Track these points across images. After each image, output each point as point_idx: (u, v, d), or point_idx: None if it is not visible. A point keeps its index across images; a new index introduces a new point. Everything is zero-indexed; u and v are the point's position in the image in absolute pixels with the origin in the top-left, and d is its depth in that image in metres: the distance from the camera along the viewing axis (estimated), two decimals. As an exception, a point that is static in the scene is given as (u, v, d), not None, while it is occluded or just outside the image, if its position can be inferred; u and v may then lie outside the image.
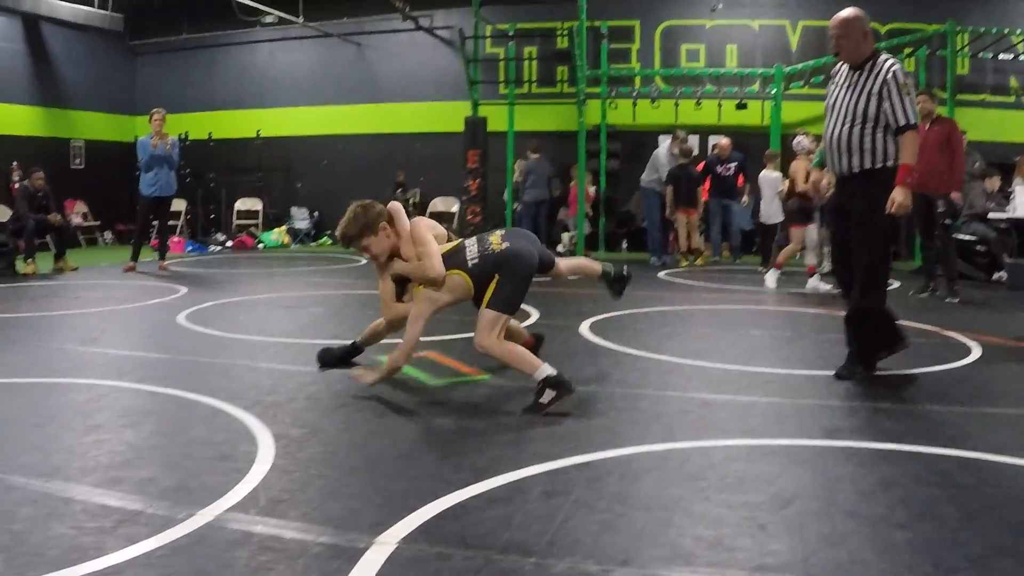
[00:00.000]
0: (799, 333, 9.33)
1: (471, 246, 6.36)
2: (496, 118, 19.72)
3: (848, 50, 6.82)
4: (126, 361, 7.96)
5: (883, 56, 6.76)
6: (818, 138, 14.08)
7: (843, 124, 6.78)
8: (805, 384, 6.87)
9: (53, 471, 4.79)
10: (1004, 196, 14.35)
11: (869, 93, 6.64)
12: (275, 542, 3.83)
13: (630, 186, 19.13)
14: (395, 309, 6.78)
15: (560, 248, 18.82)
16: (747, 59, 19.75)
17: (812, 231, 13.21)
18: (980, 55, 17.53)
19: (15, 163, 20.24)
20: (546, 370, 6.02)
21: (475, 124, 19.19)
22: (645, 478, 4.68)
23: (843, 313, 7.23)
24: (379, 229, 6.56)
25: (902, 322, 7.26)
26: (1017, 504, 4.28)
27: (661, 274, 14.97)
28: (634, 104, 19.39)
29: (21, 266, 15.17)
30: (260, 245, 22.05)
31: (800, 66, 18.06)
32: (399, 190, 21.12)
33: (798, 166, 12.95)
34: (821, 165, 7.72)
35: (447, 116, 21.02)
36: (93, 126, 23.49)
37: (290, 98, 23.48)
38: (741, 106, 18.34)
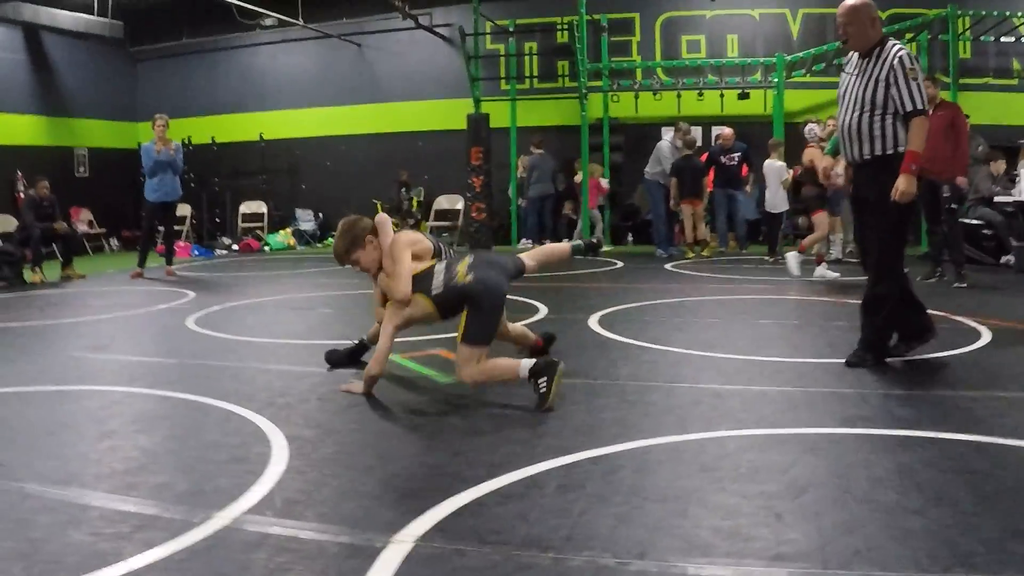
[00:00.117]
0: (808, 321, 9.32)
1: (439, 273, 6.31)
2: (498, 114, 19.73)
3: (855, 37, 6.80)
4: (137, 367, 7.97)
5: (890, 42, 6.73)
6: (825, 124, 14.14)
7: (853, 112, 6.76)
8: (816, 372, 6.86)
9: (69, 478, 4.79)
10: (1009, 179, 14.32)
11: (877, 80, 6.62)
12: (292, 543, 3.83)
13: (634, 179, 19.12)
14: (382, 313, 6.80)
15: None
16: (748, 49, 19.73)
17: (824, 218, 13.15)
18: (982, 38, 17.50)
19: (19, 173, 20.28)
20: (525, 365, 6.02)
21: (477, 121, 19.19)
22: (659, 470, 4.69)
23: (851, 300, 7.22)
24: (366, 242, 6.65)
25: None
26: (1032, 487, 4.27)
27: (668, 266, 15.00)
28: (636, 97, 19.39)
29: (28, 275, 15.20)
30: (266, 248, 22.07)
31: (801, 54, 18.05)
32: (403, 189, 21.13)
33: (812, 153, 12.88)
34: (834, 153, 7.70)
35: (449, 114, 21.02)
36: (96, 133, 23.53)
37: (292, 100, 23.50)
38: (743, 96, 18.34)
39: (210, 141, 23.60)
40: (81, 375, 7.60)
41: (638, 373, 7.03)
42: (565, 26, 19.71)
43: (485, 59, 20.55)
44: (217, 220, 23.69)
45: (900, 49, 6.63)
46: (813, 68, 18.12)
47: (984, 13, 16.83)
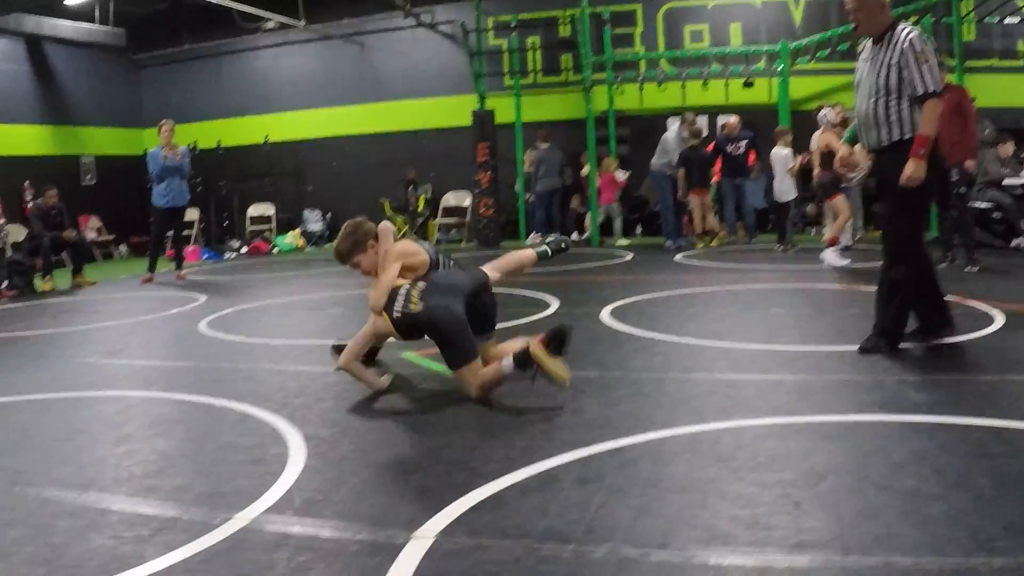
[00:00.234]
0: (820, 310, 9.29)
1: (399, 297, 6.30)
2: (503, 110, 19.72)
3: (865, 23, 6.78)
4: (151, 371, 8.00)
5: (901, 25, 6.67)
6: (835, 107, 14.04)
7: (869, 98, 6.73)
8: (830, 360, 6.83)
9: (87, 483, 4.81)
10: (1018, 161, 14.27)
11: (889, 64, 6.58)
12: (313, 542, 3.85)
13: (641, 171, 19.05)
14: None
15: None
16: (751, 37, 19.66)
17: (841, 203, 13.07)
18: (986, 20, 17.41)
19: (27, 183, 20.31)
20: (508, 362, 6.01)
21: (483, 117, 19.19)
22: (677, 461, 4.68)
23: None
24: (368, 247, 6.71)
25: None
26: (1052, 470, 4.26)
27: (677, 257, 14.95)
28: (640, 88, 19.35)
29: (39, 283, 15.26)
30: (275, 250, 22.10)
31: (805, 41, 17.97)
32: (410, 188, 21.13)
33: (828, 138, 12.78)
34: (852, 142, 7.67)
35: (454, 111, 21.02)
36: (102, 141, 23.58)
37: (296, 102, 23.51)
38: (748, 84, 18.27)
39: (216, 145, 23.60)
40: (96, 381, 7.63)
41: (652, 365, 7.02)
42: (567, 19, 19.70)
43: (488, 55, 20.52)
44: (225, 223, 23.71)
45: (910, 32, 6.58)
46: (817, 55, 18.05)
47: (988, -6, 16.78)
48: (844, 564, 3.34)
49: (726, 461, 4.58)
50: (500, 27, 20.91)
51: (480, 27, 19.72)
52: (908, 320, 7.01)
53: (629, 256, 15.63)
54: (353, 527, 3.97)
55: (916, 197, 6.64)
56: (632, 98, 19.61)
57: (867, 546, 3.48)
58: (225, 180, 23.42)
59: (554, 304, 10.15)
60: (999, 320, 7.97)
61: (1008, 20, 17.48)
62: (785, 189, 15.00)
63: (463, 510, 4.08)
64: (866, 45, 6.95)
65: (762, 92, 18.42)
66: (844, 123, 13.14)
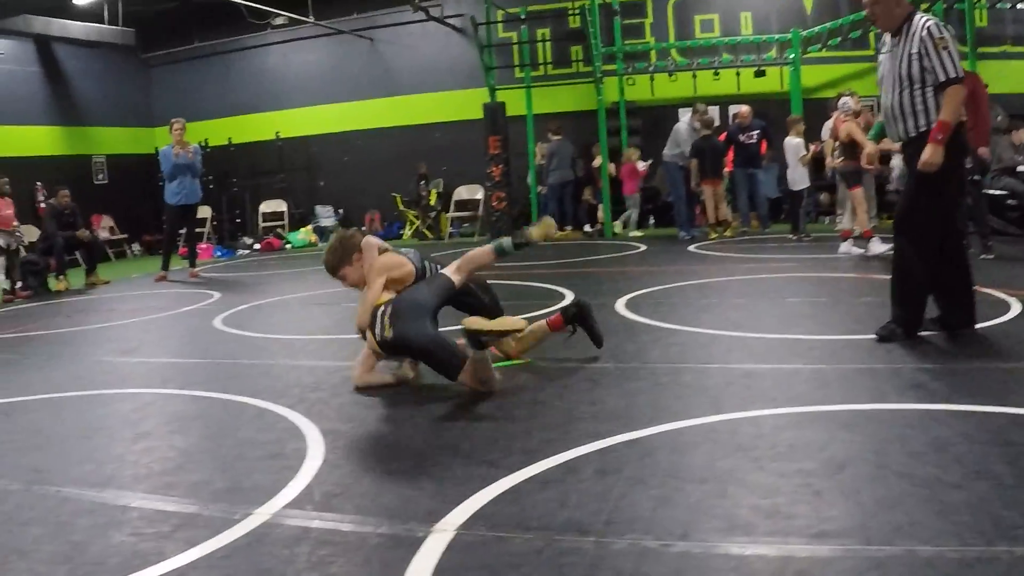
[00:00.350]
0: (835, 298, 9.26)
1: (376, 322, 6.34)
2: (514, 102, 19.69)
3: (882, 17, 6.75)
4: (167, 368, 8.02)
5: (918, 15, 6.63)
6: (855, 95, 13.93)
7: (893, 91, 6.70)
8: (847, 349, 6.81)
9: (106, 480, 4.82)
10: (1032, 148, 14.21)
11: (910, 55, 6.55)
12: (334, 536, 3.85)
13: (653, 162, 19.02)
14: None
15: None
16: (762, 26, 19.59)
17: (863, 194, 12.96)
18: (998, 5, 17.33)
19: (39, 183, 20.36)
20: (468, 348, 6.10)
21: (494, 110, 19.16)
22: (696, 451, 4.67)
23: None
24: (353, 260, 6.73)
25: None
26: (1072, 457, 4.24)
27: (691, 247, 14.93)
28: (651, 79, 19.31)
29: (53, 283, 15.31)
30: (288, 246, 22.12)
31: (817, 29, 17.89)
32: (422, 182, 21.13)
33: (850, 128, 12.65)
34: (878, 138, 7.63)
35: (465, 104, 21.01)
36: (113, 141, 23.61)
37: (307, 97, 23.50)
38: (760, 73, 18.20)
39: (227, 142, 23.64)
40: (112, 379, 7.65)
41: (668, 355, 7.02)
42: (577, 11, 19.67)
43: (498, 47, 20.51)
44: (238, 220, 23.74)
45: (927, 20, 6.54)
46: (829, 43, 17.99)
47: (999, -20, 16.71)
48: (866, 553, 3.33)
49: (745, 451, 4.57)
50: (509, 19, 20.90)
51: (490, 20, 19.68)
52: (924, 305, 6.94)
53: (642, 247, 15.60)
54: (373, 521, 3.97)
55: (941, 183, 6.59)
56: (643, 89, 19.57)
57: (888, 535, 3.46)
58: (237, 177, 23.47)
59: (569, 295, 10.14)
60: (1015, 308, 7.93)
61: (1021, 6, 17.39)
62: (798, 178, 14.95)
63: (483, 503, 4.08)
64: (886, 39, 6.92)
65: (773, 81, 18.36)
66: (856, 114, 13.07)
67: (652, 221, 19.66)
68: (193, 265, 16.15)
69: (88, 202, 19.66)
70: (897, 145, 7.60)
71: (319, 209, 23.19)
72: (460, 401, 6.04)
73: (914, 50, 6.53)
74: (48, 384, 7.55)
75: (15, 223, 15.44)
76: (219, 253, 21.44)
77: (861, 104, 13.64)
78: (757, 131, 16.60)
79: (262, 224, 23.45)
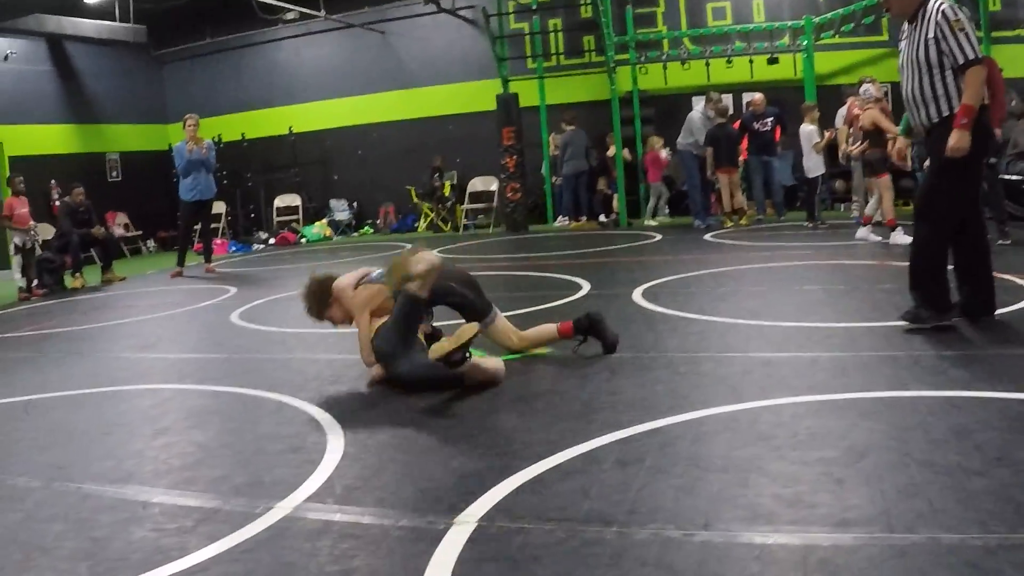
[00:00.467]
0: (852, 286, 9.21)
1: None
2: (527, 93, 19.68)
3: (898, 5, 6.73)
4: (185, 364, 8.03)
5: (931, 0, 6.62)
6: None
7: (913, 78, 6.65)
8: (865, 336, 6.79)
9: (127, 476, 4.84)
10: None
11: (927, 40, 6.50)
12: (355, 529, 3.85)
13: (646, 151, 18.96)
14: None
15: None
16: (774, 12, 19.49)
17: (888, 182, 12.85)
18: (1013, -11, 17.27)
19: (53, 181, 20.40)
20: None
21: (507, 101, 19.15)
22: (717, 440, 4.67)
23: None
24: (331, 302, 6.78)
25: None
26: (1093, 443, 4.22)
27: (707, 236, 14.90)
28: (664, 67, 19.23)
29: (69, 281, 15.34)
30: (303, 240, 22.15)
31: (829, 15, 17.82)
32: (436, 174, 21.12)
33: (873, 115, 12.55)
34: (907, 132, 7.58)
35: (478, 95, 20.98)
36: (126, 138, 23.64)
37: (319, 92, 23.50)
38: (773, 61, 18.14)
39: (240, 137, 23.66)
40: (130, 375, 7.67)
41: (686, 344, 7.00)
42: (589, 1, 19.61)
43: (510, 38, 20.48)
44: (252, 215, 23.76)
45: (941, 3, 6.48)
46: (842, 29, 17.92)
47: (1013, -37, 16.61)
48: (889, 541, 3.32)
49: (766, 439, 4.56)
50: (521, 10, 20.86)
51: (501, 11, 19.65)
52: (947, 287, 6.84)
53: (658, 236, 15.57)
54: (395, 513, 3.97)
55: (963, 168, 6.54)
56: (656, 78, 19.51)
57: (911, 523, 3.45)
58: (251, 172, 23.48)
59: (585, 286, 10.14)
60: (1034, 293, 7.91)
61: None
62: (812, 165, 14.90)
63: (504, 494, 4.07)
64: (904, 27, 6.88)
65: (787, 68, 18.28)
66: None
67: (667, 210, 19.61)
68: (209, 260, 16.18)
69: (102, 199, 19.70)
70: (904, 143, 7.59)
71: (333, 203, 23.22)
72: (480, 393, 6.02)
73: (930, 35, 6.49)
74: (66, 381, 7.57)
75: (31, 222, 15.49)
76: (234, 248, 21.49)
77: (882, 90, 13.56)
78: (771, 118, 16.55)
79: (277, 219, 23.46)
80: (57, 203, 18.66)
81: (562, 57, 21.07)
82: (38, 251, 15.50)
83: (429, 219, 21.67)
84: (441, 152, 21.35)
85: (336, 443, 5.09)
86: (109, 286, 15.25)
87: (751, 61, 18.28)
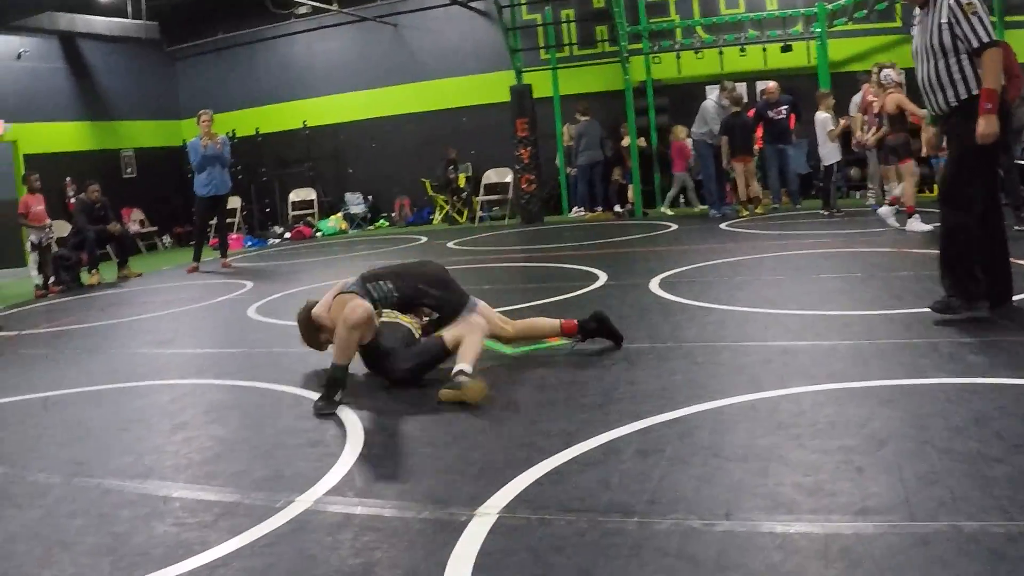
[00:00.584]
0: (870, 273, 9.18)
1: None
2: (540, 84, 19.65)
3: None
4: (203, 359, 8.04)
5: None
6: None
7: (927, 63, 6.59)
8: (884, 324, 6.77)
9: (147, 471, 4.85)
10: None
11: (940, 26, 6.45)
12: (377, 521, 3.86)
13: (671, 141, 18.92)
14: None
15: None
16: (787, 0, 19.45)
17: (912, 167, 12.74)
18: (1026, -27, 17.16)
19: (68, 179, 20.45)
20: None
21: (521, 92, 19.13)
22: (736, 429, 4.66)
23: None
24: (319, 329, 6.83)
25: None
26: (1113, 430, 4.20)
27: (723, 225, 14.87)
28: (678, 57, 19.19)
29: (86, 277, 15.37)
30: (318, 234, 22.14)
31: (843, 2, 17.73)
32: (450, 167, 21.12)
33: (897, 99, 12.48)
34: (934, 121, 7.52)
35: (491, 87, 20.96)
36: (140, 134, 23.69)
37: (333, 85, 23.50)
38: (786, 48, 18.08)
39: (254, 132, 23.68)
40: (148, 370, 7.68)
41: (704, 334, 6.99)
42: (601, -10, 19.59)
43: (523, 30, 20.46)
44: (267, 210, 23.79)
45: None
46: (855, 15, 17.85)
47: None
48: (910, 529, 3.31)
49: (786, 428, 4.56)
50: (533, 0, 20.82)
51: (513, 1, 19.62)
52: (978, 274, 6.70)
53: (674, 226, 15.55)
54: (416, 506, 3.98)
55: (985, 152, 6.47)
56: (670, 67, 19.47)
57: (932, 511, 3.45)
58: (265, 167, 23.50)
59: (602, 276, 10.13)
60: (1051, 280, 7.85)
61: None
62: (827, 153, 14.86)
63: (525, 485, 4.08)
64: (916, 13, 6.83)
65: (800, 56, 18.24)
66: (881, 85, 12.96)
67: (682, 200, 19.57)
68: (225, 255, 16.22)
69: (117, 196, 19.71)
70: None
71: (348, 196, 23.22)
72: (499, 385, 6.02)
73: (943, 20, 6.44)
74: (85, 377, 7.60)
75: (47, 220, 15.55)
76: (250, 243, 21.50)
77: (902, 75, 13.49)
78: (785, 106, 16.53)
79: (292, 213, 23.47)
80: (72, 200, 18.70)
81: (575, 47, 21.02)
82: (54, 248, 15.55)
83: (444, 211, 21.68)
84: (455, 144, 21.36)
85: (355, 436, 5.10)
86: (125, 282, 15.29)
87: (764, 49, 18.24)
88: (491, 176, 21.63)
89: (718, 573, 3.14)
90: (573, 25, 21.04)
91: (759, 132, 16.87)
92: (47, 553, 3.86)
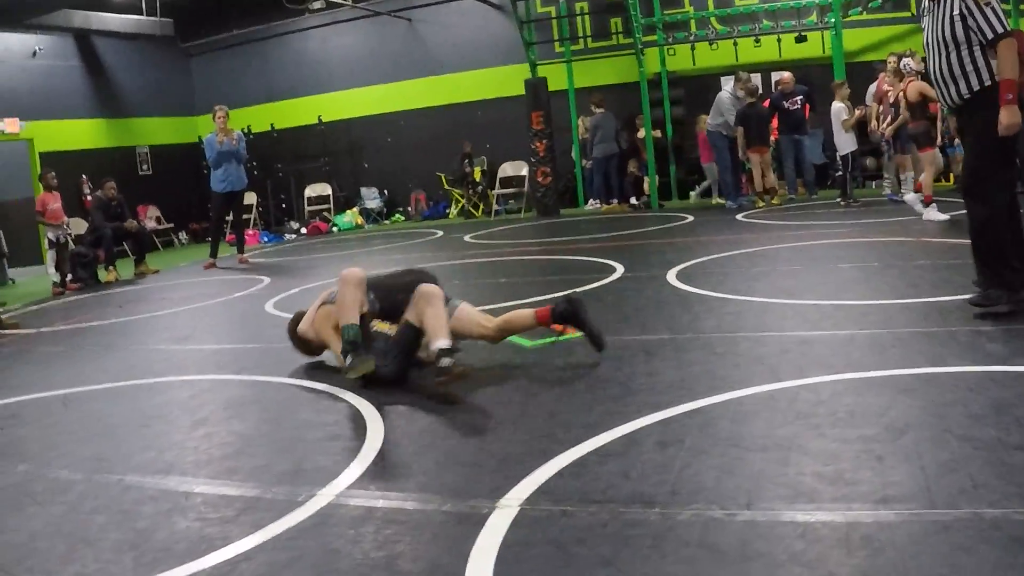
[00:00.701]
0: (886, 263, 9.15)
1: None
2: (555, 77, 19.66)
3: None
4: (222, 354, 8.07)
5: None
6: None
7: (939, 54, 6.51)
8: (901, 313, 6.75)
9: (168, 467, 4.87)
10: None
11: (952, 17, 6.37)
12: (399, 514, 3.87)
13: (697, 132, 18.92)
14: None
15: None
16: (801, -10, 19.42)
17: (934, 156, 12.68)
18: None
19: (84, 176, 20.52)
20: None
21: (535, 85, 19.14)
22: (756, 419, 4.66)
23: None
24: (309, 342, 6.87)
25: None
26: None
27: (739, 216, 14.85)
28: (692, 48, 19.19)
29: (103, 274, 15.43)
30: (335, 228, 22.20)
31: (857, -9, 17.76)
32: (466, 160, 21.13)
33: (920, 87, 12.41)
34: (951, 113, 7.47)
35: (506, 80, 20.96)
36: (156, 131, 23.79)
37: (347, 80, 23.53)
38: (801, 39, 18.04)
39: (270, 128, 23.74)
40: (167, 367, 7.70)
41: (723, 325, 6.99)
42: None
43: (537, 23, 20.46)
44: (283, 205, 23.84)
45: None
46: (869, 5, 17.80)
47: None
48: (931, 517, 3.31)
49: (805, 418, 4.55)
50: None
51: (528, -5, 19.65)
52: (1014, 263, 6.51)
53: (690, 218, 15.53)
54: (437, 498, 3.99)
55: (1001, 142, 6.38)
56: (684, 59, 19.46)
57: (953, 498, 3.44)
58: (281, 162, 23.56)
59: (619, 269, 10.12)
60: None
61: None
62: (841, 143, 14.83)
63: (546, 477, 4.08)
64: (924, 3, 6.77)
65: (815, 46, 18.20)
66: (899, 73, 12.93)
67: (698, 191, 19.57)
68: (241, 251, 16.27)
69: (133, 193, 19.81)
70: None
71: (364, 191, 23.27)
72: (518, 378, 6.04)
73: (955, 11, 6.35)
74: (104, 374, 7.62)
75: (64, 217, 15.61)
76: (266, 238, 21.56)
77: (921, 64, 13.45)
78: (800, 96, 16.50)
79: (308, 208, 23.53)
80: (89, 198, 18.77)
81: (589, 40, 21.01)
82: (71, 246, 15.60)
83: (460, 205, 21.70)
84: (470, 138, 21.34)
85: (376, 430, 5.10)
86: (142, 279, 15.34)
87: (779, 40, 18.20)
88: (506, 169, 21.64)
89: (740, 562, 3.14)
90: (587, 17, 21.03)
91: (774, 123, 16.84)
92: (70, 549, 3.88)
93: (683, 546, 3.30)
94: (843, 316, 6.86)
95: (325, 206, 23.40)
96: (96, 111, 22.33)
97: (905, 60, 12.93)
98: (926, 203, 12.01)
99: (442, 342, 5.74)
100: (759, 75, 18.41)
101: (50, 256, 15.48)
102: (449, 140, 21.50)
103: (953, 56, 6.41)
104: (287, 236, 21.86)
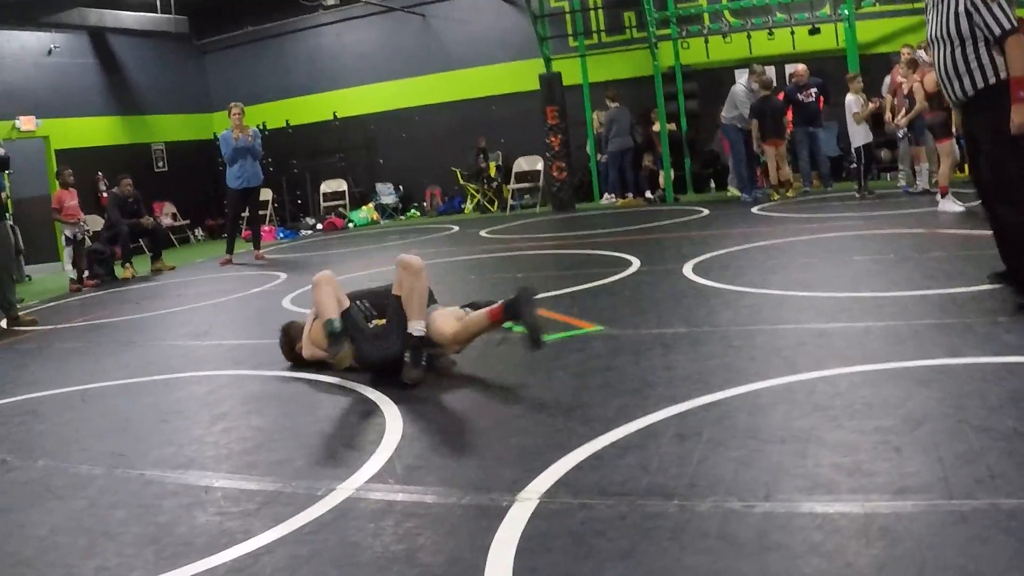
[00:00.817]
0: (902, 255, 9.13)
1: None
2: (569, 71, 19.63)
3: None
4: (240, 350, 8.09)
5: None
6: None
7: (944, 50, 6.41)
8: (918, 305, 6.74)
9: (188, 462, 4.90)
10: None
11: (956, 14, 6.26)
12: (418, 508, 3.89)
13: (711, 125, 18.90)
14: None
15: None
16: (815, -18, 19.37)
17: (951, 147, 12.62)
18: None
19: (100, 173, 20.58)
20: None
21: (550, 80, 19.11)
22: (773, 412, 4.67)
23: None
24: (300, 338, 6.94)
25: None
26: None
27: (754, 209, 14.82)
28: (706, 41, 19.11)
29: (120, 271, 15.49)
30: (350, 224, 22.20)
31: (871, -17, 17.72)
32: (481, 156, 21.13)
33: (935, 77, 12.32)
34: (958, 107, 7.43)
35: (520, 75, 20.93)
36: (171, 128, 23.84)
37: (362, 76, 23.55)
38: (814, 31, 17.97)
39: (285, 124, 23.78)
40: (185, 362, 7.74)
41: (739, 318, 6.98)
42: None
43: (551, 17, 20.44)
44: (299, 201, 23.87)
45: None
46: (883, -4, 17.79)
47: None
48: (949, 508, 3.31)
49: (823, 410, 4.55)
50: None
51: (541, -11, 19.63)
52: None
53: (705, 211, 15.50)
54: (457, 492, 4.01)
55: (1014, 140, 6.25)
56: (698, 52, 19.39)
57: (971, 489, 3.44)
58: (296, 159, 23.58)
59: (635, 263, 10.12)
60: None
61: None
62: (855, 135, 14.79)
63: (565, 470, 4.10)
64: None
65: (829, 38, 18.12)
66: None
67: (712, 185, 19.54)
68: (257, 247, 16.30)
69: (149, 190, 19.83)
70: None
71: (379, 187, 23.26)
72: (535, 372, 6.05)
73: (960, 7, 6.26)
74: (122, 370, 7.66)
75: (80, 214, 15.67)
76: (282, 235, 21.60)
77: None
78: (814, 89, 16.46)
79: (323, 204, 23.56)
80: (105, 195, 18.83)
81: (603, 34, 20.98)
82: (88, 243, 15.66)
83: (475, 200, 21.69)
84: (485, 133, 21.34)
85: (394, 424, 5.13)
86: (159, 275, 15.40)
87: (792, 32, 18.12)
88: (522, 164, 21.63)
89: (759, 554, 3.15)
90: (601, 12, 20.99)
91: (789, 115, 16.81)
92: (91, 544, 3.91)
93: (702, 538, 3.31)
94: (859, 308, 6.85)
95: (340, 202, 23.43)
96: (111, 108, 22.39)
97: (920, 52, 12.91)
98: (943, 194, 11.98)
99: (417, 326, 5.96)
100: (773, 68, 18.38)
101: (67, 253, 15.55)
102: (464, 135, 21.51)
103: (958, 52, 6.30)
104: (303, 232, 21.88)
